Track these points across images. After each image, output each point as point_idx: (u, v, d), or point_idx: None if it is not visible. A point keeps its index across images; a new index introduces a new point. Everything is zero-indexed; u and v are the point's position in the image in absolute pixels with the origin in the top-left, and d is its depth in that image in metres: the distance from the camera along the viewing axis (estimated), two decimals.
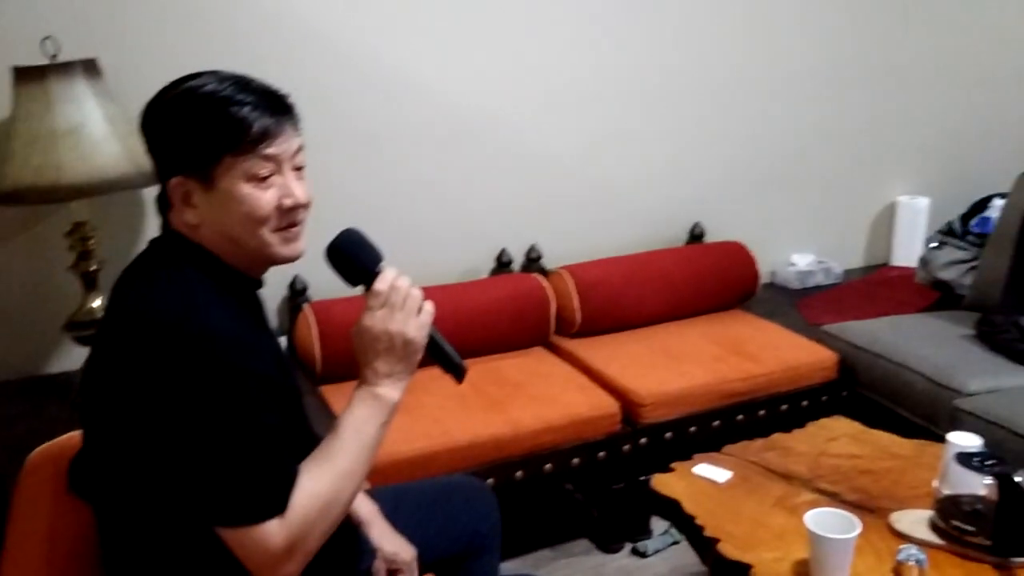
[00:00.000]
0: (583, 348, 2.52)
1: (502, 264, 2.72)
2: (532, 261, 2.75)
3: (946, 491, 1.53)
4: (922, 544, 1.44)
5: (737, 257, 2.84)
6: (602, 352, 2.48)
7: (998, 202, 3.05)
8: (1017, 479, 1.39)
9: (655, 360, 2.43)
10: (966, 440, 1.58)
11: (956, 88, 3.45)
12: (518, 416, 2.12)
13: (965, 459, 1.48)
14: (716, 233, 3.03)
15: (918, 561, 1.36)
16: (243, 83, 1.10)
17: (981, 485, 1.47)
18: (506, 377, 2.34)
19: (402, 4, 2.48)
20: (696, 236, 3.02)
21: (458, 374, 1.15)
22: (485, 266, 2.75)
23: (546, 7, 2.67)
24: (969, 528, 1.43)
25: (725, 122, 3.06)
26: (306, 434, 1.19)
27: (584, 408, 2.18)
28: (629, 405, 2.24)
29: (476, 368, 2.37)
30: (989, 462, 1.46)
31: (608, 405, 2.21)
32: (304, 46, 2.38)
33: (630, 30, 2.82)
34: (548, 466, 2.13)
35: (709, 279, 2.76)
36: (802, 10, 3.07)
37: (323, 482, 1.05)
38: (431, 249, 2.67)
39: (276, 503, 1.01)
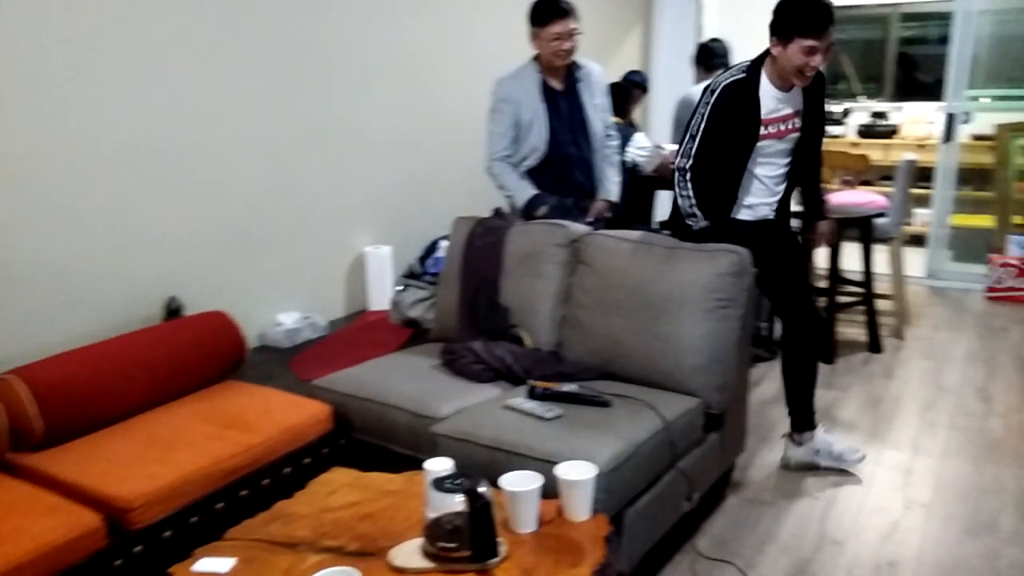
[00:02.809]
0: (50, 461, 2.16)
1: None
2: None
3: (432, 515, 1.68)
4: (417, 573, 1.55)
5: (220, 327, 2.75)
6: (75, 460, 2.16)
7: (444, 243, 3.52)
8: (480, 490, 1.59)
9: (142, 455, 2.20)
10: (439, 464, 1.76)
11: (399, 150, 3.92)
12: None
13: (439, 483, 1.64)
14: (197, 305, 2.91)
15: None
16: None
17: (457, 503, 1.65)
18: None
19: None
20: (174, 311, 2.85)
21: None
22: None
23: None
24: (452, 545, 1.59)
25: (192, 190, 2.97)
26: None
27: (57, 532, 1.86)
28: (115, 513, 1.99)
29: None
30: (458, 480, 1.64)
31: (88, 521, 1.92)
32: None
33: (54, 101, 2.54)
34: None
35: (193, 354, 2.62)
36: (258, 79, 3.15)
37: None
38: None
39: None
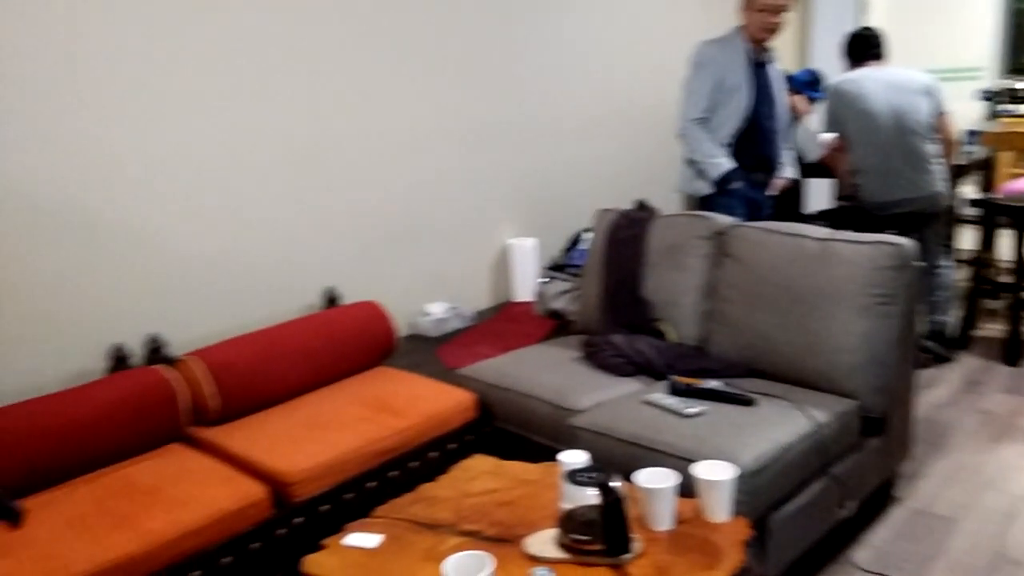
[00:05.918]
0: (224, 435, 2.37)
1: (119, 361, 2.47)
2: (155, 352, 2.53)
3: (567, 507, 1.70)
4: (550, 562, 1.57)
5: (372, 316, 2.90)
6: (245, 436, 2.36)
7: (587, 236, 3.53)
8: (613, 484, 1.58)
9: (302, 434, 2.37)
10: (574, 457, 1.77)
11: (540, 143, 3.94)
12: (151, 527, 1.92)
13: (572, 475, 1.65)
14: (351, 295, 3.08)
15: None
16: None
17: (591, 496, 1.65)
18: (136, 485, 2.11)
19: None
20: (331, 300, 3.03)
21: (11, 518, 1.00)
22: (97, 366, 2.47)
23: (138, 77, 2.51)
24: (585, 538, 1.60)
25: (347, 186, 3.14)
26: None
27: (228, 501, 2.04)
28: (279, 486, 2.15)
29: (99, 483, 2.12)
30: (592, 474, 1.65)
31: (255, 492, 2.10)
32: None
33: (217, 100, 2.77)
34: (196, 574, 1.96)
35: (348, 342, 2.78)
36: (412, 77, 3.28)
37: None
38: (19, 359, 2.33)
39: None
